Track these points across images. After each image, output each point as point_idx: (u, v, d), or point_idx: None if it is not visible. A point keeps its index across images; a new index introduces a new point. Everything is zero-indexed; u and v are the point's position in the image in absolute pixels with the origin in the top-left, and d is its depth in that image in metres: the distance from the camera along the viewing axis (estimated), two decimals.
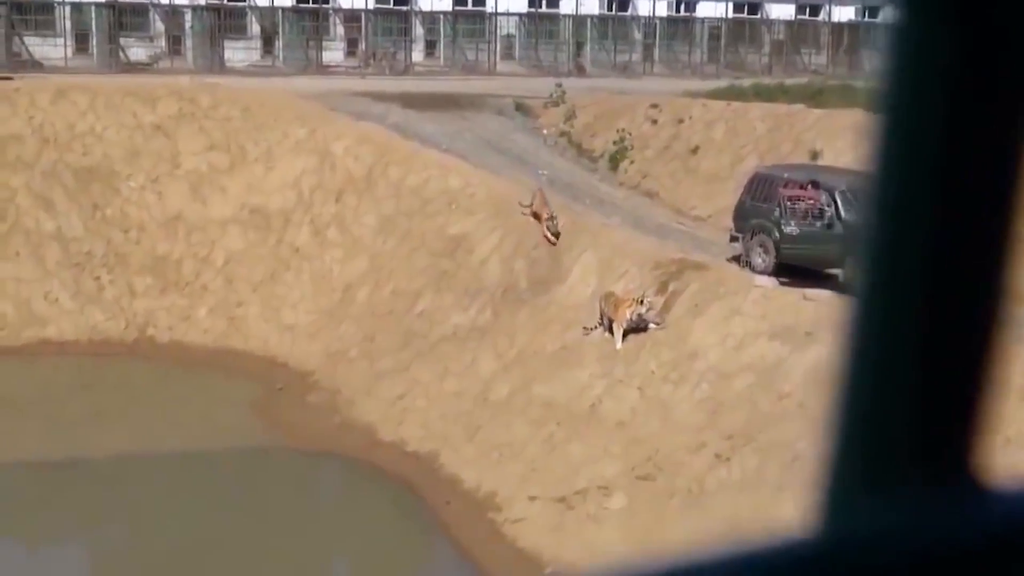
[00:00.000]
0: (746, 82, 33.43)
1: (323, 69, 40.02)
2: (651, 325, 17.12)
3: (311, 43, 41.50)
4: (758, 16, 48.13)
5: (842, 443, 0.83)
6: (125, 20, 39.85)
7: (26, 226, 25.66)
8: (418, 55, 42.90)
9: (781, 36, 46.98)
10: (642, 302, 16.90)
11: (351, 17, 42.99)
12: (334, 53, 41.80)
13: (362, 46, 42.63)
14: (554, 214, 21.41)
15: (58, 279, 25.28)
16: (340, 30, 42.97)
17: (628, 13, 46.43)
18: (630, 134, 29.28)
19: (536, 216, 21.63)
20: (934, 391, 0.82)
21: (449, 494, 17.44)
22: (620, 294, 17.55)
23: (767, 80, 35.45)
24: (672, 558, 0.78)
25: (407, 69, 40.91)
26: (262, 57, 40.21)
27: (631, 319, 16.84)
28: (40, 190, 26.11)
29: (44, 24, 38.95)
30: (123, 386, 23.07)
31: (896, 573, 0.79)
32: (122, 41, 39.45)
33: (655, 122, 29.59)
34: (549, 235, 21.19)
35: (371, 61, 41.69)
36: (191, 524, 17.20)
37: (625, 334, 17.06)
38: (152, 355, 24.26)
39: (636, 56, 45.48)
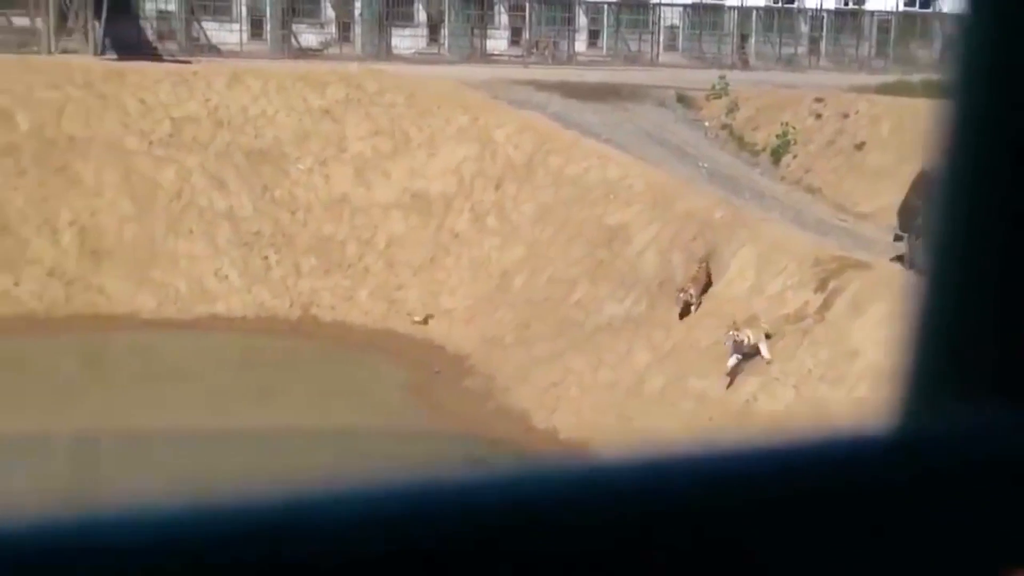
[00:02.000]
0: (916, 77, 32.45)
1: (487, 57, 40.25)
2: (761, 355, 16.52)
3: (476, 31, 41.77)
4: (930, 10, 46.67)
5: (929, 349, 0.87)
6: (298, 7, 40.86)
7: (200, 205, 26.30)
8: (581, 45, 42.83)
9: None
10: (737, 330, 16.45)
11: (516, 6, 43.13)
12: (498, 41, 41.99)
13: (526, 35, 42.71)
14: (695, 295, 19.68)
15: (228, 257, 25.82)
16: (504, 19, 43.15)
17: (795, 5, 45.57)
18: (793, 128, 28.65)
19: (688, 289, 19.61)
20: (1012, 316, 0.87)
21: None
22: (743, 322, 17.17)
23: (938, 76, 34.49)
24: (766, 437, 0.81)
25: (570, 58, 40.88)
26: (428, 44, 40.63)
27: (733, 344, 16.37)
28: (214, 170, 26.74)
29: (221, 10, 40.16)
30: (286, 363, 23.32)
31: (971, 474, 0.84)
32: (294, 27, 40.37)
33: (819, 116, 28.96)
34: (682, 306, 19.63)
35: (534, 50, 41.75)
36: None
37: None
38: (315, 333, 24.54)
39: (802, 49, 44.65)
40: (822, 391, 16.33)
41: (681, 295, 19.43)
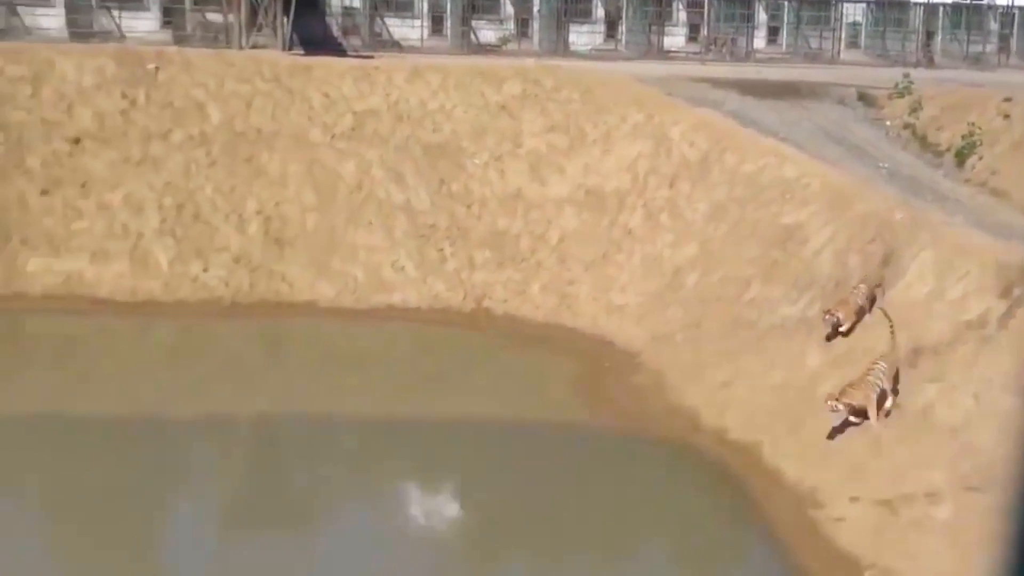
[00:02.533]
0: None
1: (664, 54, 39.94)
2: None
3: (653, 28, 41.47)
4: None
5: None
6: (478, 3, 41.34)
7: (378, 197, 26.42)
8: (760, 41, 42.20)
9: None
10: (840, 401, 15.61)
11: (694, 3, 42.74)
12: (675, 38, 41.70)
13: (704, 32, 42.25)
14: (843, 318, 18.74)
15: (404, 249, 25.90)
16: (683, 15, 42.80)
17: (984, 2, 43.93)
18: (980, 128, 27.34)
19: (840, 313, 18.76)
20: None
21: (769, 487, 16.89)
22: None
23: None
24: None
25: (748, 55, 40.28)
26: (605, 41, 40.55)
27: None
28: (392, 163, 26.89)
29: (403, 7, 40.90)
30: (458, 354, 23.56)
31: None
32: (474, 23, 40.76)
33: (1007, 117, 27.52)
34: (829, 329, 18.83)
35: (712, 47, 41.24)
36: (509, 493, 17.28)
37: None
38: (487, 326, 24.59)
39: (990, 47, 43.06)
40: (1004, 402, 15.60)
41: (827, 317, 18.75)
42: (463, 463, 18.49)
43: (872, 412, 15.58)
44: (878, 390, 15.60)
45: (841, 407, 15.74)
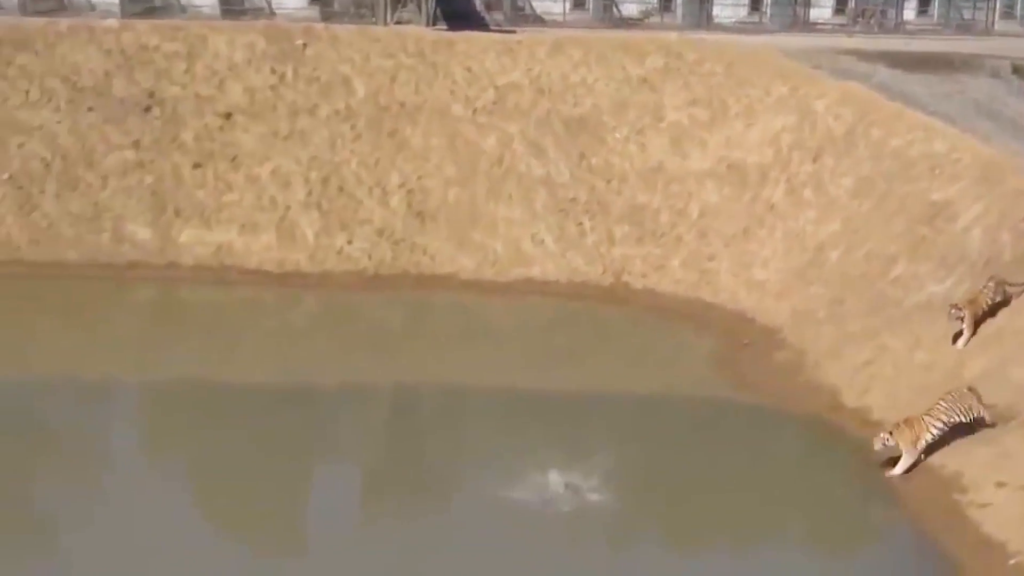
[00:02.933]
0: None
1: (809, 26, 38.92)
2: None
3: (799, 0, 40.57)
4: None
5: None
6: None
7: (519, 170, 26.44)
8: (910, 13, 40.82)
9: None
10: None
11: None
12: (822, 10, 40.60)
13: (851, 3, 41.17)
14: (966, 317, 18.13)
15: (544, 223, 25.90)
16: None
17: None
18: None
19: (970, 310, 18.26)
20: None
21: (912, 469, 16.40)
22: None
23: None
24: None
25: (897, 27, 39.10)
26: (749, 14, 39.67)
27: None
28: (533, 137, 26.92)
29: None
30: (596, 328, 23.45)
31: None
32: None
33: None
34: (956, 327, 18.17)
35: (860, 19, 40.21)
36: (646, 467, 17.25)
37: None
38: (625, 300, 24.48)
39: None
40: None
41: (953, 312, 18.19)
42: (601, 436, 18.45)
43: (908, 454, 15.41)
44: (932, 432, 15.39)
45: (891, 442, 15.64)
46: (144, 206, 26.20)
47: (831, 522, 15.94)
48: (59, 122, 26.63)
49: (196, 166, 26.52)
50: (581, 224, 25.96)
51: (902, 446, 15.35)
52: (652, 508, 16.43)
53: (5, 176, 25.92)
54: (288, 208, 26.14)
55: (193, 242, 25.72)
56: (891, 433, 15.45)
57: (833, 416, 18.58)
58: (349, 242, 25.81)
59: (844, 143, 25.12)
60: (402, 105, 27.30)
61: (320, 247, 25.72)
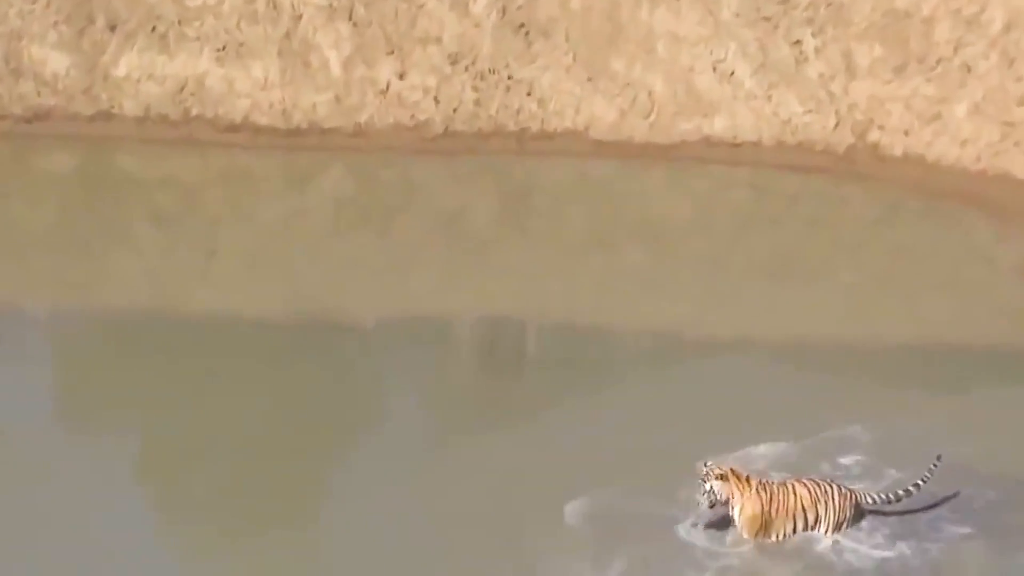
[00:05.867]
0: None
1: None
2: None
3: None
4: None
5: None
6: None
7: None
8: None
9: None
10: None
11: None
12: None
13: None
14: None
15: (735, 41, 25.34)
16: None
17: None
18: None
19: None
20: None
21: None
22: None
23: None
24: None
25: None
26: None
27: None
28: None
29: None
30: (823, 223, 23.37)
31: None
32: None
33: None
34: None
35: None
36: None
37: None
38: (873, 175, 24.08)
39: None
40: None
41: None
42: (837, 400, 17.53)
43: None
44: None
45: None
46: (59, 16, 25.91)
47: None
48: None
49: None
50: (798, 42, 25.14)
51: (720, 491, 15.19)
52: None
53: None
54: (299, 18, 25.84)
55: (139, 75, 25.59)
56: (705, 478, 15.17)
57: None
58: (400, 76, 25.51)
59: None
60: None
61: (352, 83, 25.71)
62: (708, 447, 15.78)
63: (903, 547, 15.00)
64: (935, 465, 14.78)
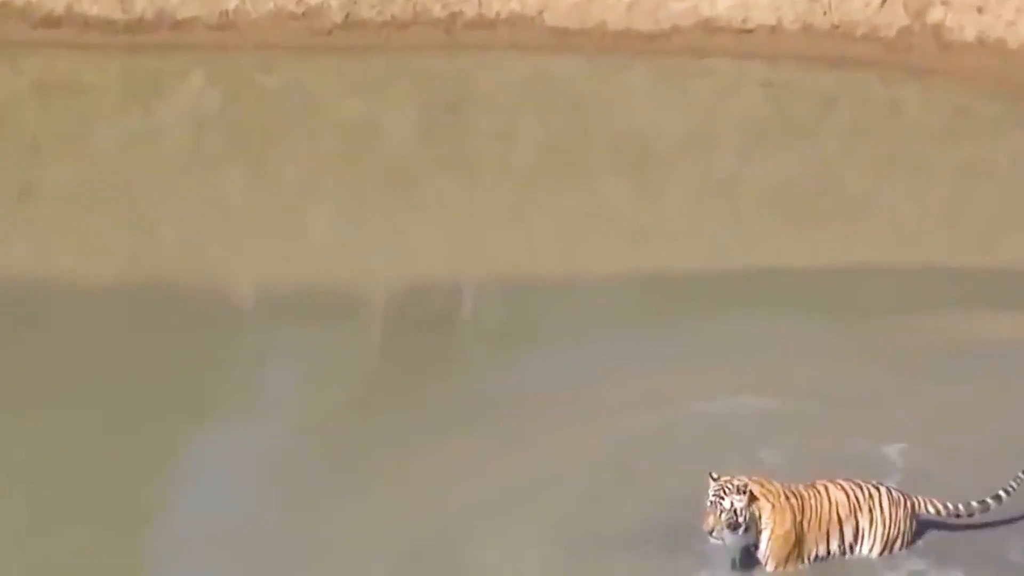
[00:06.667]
0: None
1: None
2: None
3: None
4: None
5: None
6: None
7: None
8: None
9: None
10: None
11: None
12: None
13: None
14: None
15: None
16: None
17: None
18: None
19: None
20: None
21: None
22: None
23: None
24: None
25: None
26: None
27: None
28: None
29: None
30: (864, 133, 22.25)
31: None
32: None
33: None
34: None
35: None
36: None
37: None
38: (935, 68, 23.11)
39: None
40: None
41: None
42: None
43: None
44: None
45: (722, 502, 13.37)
46: None
47: None
48: None
49: None
50: None
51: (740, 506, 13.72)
52: None
53: None
54: None
55: None
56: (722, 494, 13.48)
57: None
58: None
59: None
60: None
61: None
62: (710, 433, 14.33)
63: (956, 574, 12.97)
64: None
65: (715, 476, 13.04)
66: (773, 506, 13.02)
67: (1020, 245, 19.63)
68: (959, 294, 18.02)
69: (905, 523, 12.86)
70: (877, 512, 13.12)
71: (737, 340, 17.06)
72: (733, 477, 13.05)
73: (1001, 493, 12.91)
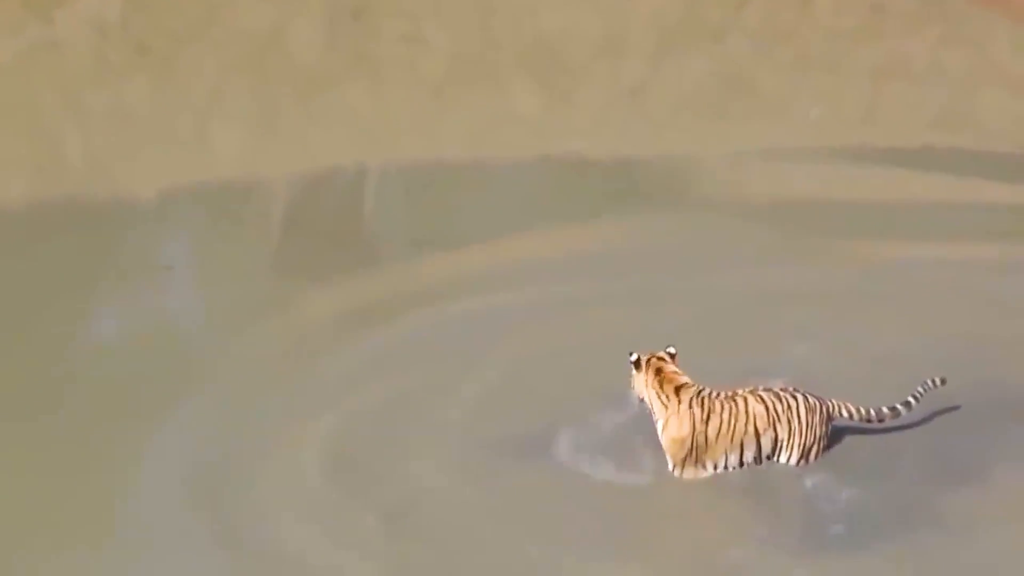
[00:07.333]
0: None
1: None
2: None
3: None
4: None
5: None
6: None
7: None
8: None
9: None
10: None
11: None
12: None
13: None
14: None
15: None
16: None
17: None
18: None
19: None
20: None
21: None
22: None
23: None
24: None
25: None
26: None
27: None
28: None
29: None
30: (789, 31, 22.67)
31: None
32: None
33: None
34: None
35: None
36: None
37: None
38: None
39: None
40: None
41: None
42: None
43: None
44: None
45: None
46: None
47: None
48: None
49: None
50: None
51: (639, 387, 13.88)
52: None
53: None
54: None
55: None
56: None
57: None
58: None
59: None
60: None
61: None
62: (640, 330, 14.24)
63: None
64: (935, 384, 13.16)
65: (632, 354, 13.22)
66: (666, 407, 13.30)
67: (933, 141, 19.33)
68: (872, 190, 17.89)
69: (821, 429, 13.20)
70: (795, 423, 13.42)
71: (647, 231, 17.12)
72: (653, 354, 13.31)
73: (910, 399, 13.35)
